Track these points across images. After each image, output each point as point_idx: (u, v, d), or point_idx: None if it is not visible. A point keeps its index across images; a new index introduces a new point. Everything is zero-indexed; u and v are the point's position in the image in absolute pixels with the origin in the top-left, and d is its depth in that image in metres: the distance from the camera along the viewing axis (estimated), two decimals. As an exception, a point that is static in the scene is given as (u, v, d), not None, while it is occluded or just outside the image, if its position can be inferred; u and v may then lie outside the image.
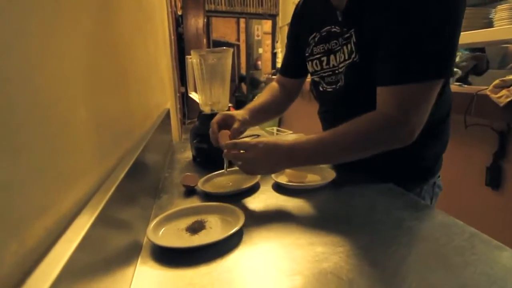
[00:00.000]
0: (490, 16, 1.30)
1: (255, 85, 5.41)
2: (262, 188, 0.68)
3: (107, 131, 0.44)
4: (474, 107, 1.20)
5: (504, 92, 1.08)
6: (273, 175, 0.69)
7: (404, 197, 0.62)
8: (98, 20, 0.45)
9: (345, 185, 0.67)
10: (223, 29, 6.29)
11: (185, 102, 2.00)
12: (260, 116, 0.82)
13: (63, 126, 0.29)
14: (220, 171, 0.74)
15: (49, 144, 0.26)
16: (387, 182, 0.67)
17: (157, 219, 0.51)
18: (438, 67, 0.56)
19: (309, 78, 0.94)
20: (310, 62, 0.80)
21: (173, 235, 0.48)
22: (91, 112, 0.37)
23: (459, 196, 1.36)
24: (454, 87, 1.34)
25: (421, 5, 0.54)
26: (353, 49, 0.65)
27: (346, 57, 0.67)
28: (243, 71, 5.77)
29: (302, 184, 0.67)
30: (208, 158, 0.84)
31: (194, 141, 0.84)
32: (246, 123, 0.73)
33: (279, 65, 4.90)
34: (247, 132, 1.14)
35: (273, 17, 5.24)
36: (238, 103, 4.76)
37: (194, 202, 0.62)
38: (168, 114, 1.07)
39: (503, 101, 1.07)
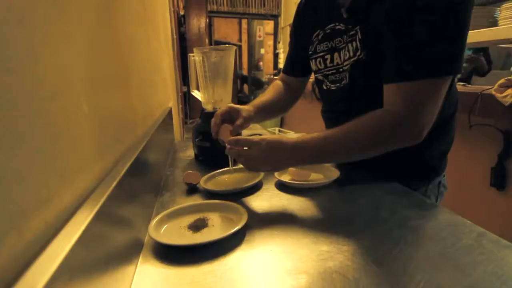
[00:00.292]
0: (495, 15, 1.29)
1: (257, 86, 5.40)
2: (265, 186, 0.67)
3: (109, 127, 0.43)
4: (478, 106, 1.19)
5: (509, 91, 1.07)
6: (276, 174, 0.69)
7: (409, 196, 0.61)
8: (102, 16, 0.44)
9: (349, 184, 0.66)
10: (225, 29, 6.30)
11: (187, 101, 1.99)
12: (265, 113, 0.81)
13: (64, 119, 0.29)
14: (223, 170, 0.73)
15: (49, 136, 0.25)
16: (391, 181, 0.66)
17: (159, 216, 0.50)
18: (447, 63, 0.54)
19: (312, 78, 0.94)
20: (313, 60, 0.79)
21: (175, 233, 0.48)
22: (92, 106, 0.36)
23: (464, 197, 1.35)
24: (458, 86, 1.33)
25: (428, 0, 0.53)
26: (358, 46, 0.64)
27: (351, 55, 0.66)
28: (245, 71, 5.77)
29: (305, 183, 0.66)
30: (211, 156, 0.83)
31: (196, 139, 0.83)
32: (250, 120, 0.72)
33: (281, 65, 4.90)
34: (249, 132, 1.14)
35: (275, 17, 5.24)
36: (240, 104, 4.75)
37: (196, 200, 0.62)
38: (170, 113, 1.06)
39: (508, 100, 1.06)
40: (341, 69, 0.71)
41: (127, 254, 0.39)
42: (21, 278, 0.18)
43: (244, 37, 6.23)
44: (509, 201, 1.20)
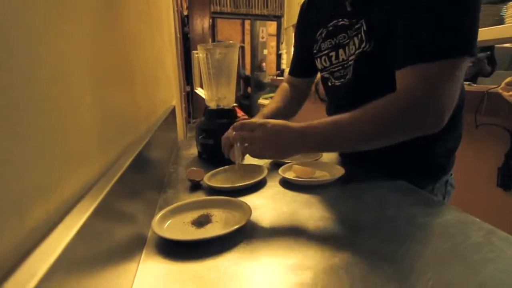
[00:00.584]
0: (501, 14, 1.27)
1: (258, 88, 5.40)
2: (269, 184, 0.67)
3: (112, 121, 0.43)
4: (485, 105, 1.17)
5: (516, 90, 1.05)
6: (280, 171, 0.68)
7: (416, 193, 0.60)
8: (106, 12, 0.44)
9: (354, 182, 0.65)
10: (228, 30, 6.31)
11: (190, 101, 2.00)
12: None
13: (66, 107, 0.28)
14: (226, 167, 0.73)
15: (50, 123, 0.25)
16: (397, 180, 0.65)
17: (163, 212, 0.49)
18: (461, 43, 0.51)
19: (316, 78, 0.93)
20: (318, 59, 0.79)
21: (179, 229, 0.47)
22: (95, 99, 0.36)
23: (470, 198, 1.33)
24: (464, 85, 1.31)
25: None
26: (363, 38, 0.63)
27: (357, 47, 0.65)
28: (248, 72, 5.77)
29: (310, 180, 0.65)
30: (214, 154, 0.83)
31: (200, 137, 0.83)
32: None
33: (284, 66, 4.90)
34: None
35: (278, 18, 5.24)
36: (242, 107, 4.71)
37: (200, 196, 0.61)
38: (173, 112, 1.06)
39: (515, 99, 1.04)
40: (346, 65, 0.71)
41: (130, 249, 0.38)
42: (21, 265, 0.17)
43: (247, 38, 6.23)
44: (516, 202, 1.18)
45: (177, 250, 0.42)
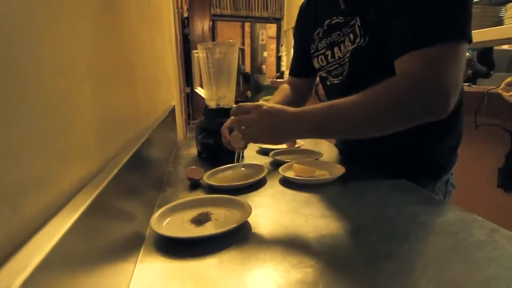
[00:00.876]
0: (500, 15, 1.27)
1: (256, 90, 5.41)
2: (269, 182, 0.66)
3: (112, 117, 0.43)
4: (485, 106, 1.17)
5: (516, 90, 1.05)
6: (280, 170, 0.68)
7: (417, 192, 0.60)
8: (108, 12, 0.44)
9: (355, 181, 0.65)
10: (228, 33, 6.34)
11: (190, 102, 2.00)
12: None
13: (66, 103, 0.28)
14: (226, 166, 0.72)
15: (49, 116, 0.24)
16: (398, 178, 0.64)
17: (161, 209, 0.49)
18: (458, 27, 0.50)
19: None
20: (315, 59, 0.79)
21: (177, 227, 0.47)
22: (95, 93, 0.36)
23: (470, 198, 1.32)
24: (463, 86, 1.32)
25: None
26: (358, 33, 0.63)
27: (352, 42, 0.66)
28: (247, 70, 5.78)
29: (310, 178, 0.65)
30: (214, 153, 0.82)
31: (200, 136, 0.82)
32: None
33: (283, 68, 4.91)
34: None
35: (278, 21, 5.27)
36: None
37: (199, 195, 0.60)
38: (173, 112, 1.06)
39: (515, 99, 1.04)
40: (342, 62, 0.71)
41: (128, 247, 0.38)
42: (13, 257, 0.17)
43: (247, 40, 6.25)
44: (517, 203, 1.18)
45: (175, 248, 0.42)
